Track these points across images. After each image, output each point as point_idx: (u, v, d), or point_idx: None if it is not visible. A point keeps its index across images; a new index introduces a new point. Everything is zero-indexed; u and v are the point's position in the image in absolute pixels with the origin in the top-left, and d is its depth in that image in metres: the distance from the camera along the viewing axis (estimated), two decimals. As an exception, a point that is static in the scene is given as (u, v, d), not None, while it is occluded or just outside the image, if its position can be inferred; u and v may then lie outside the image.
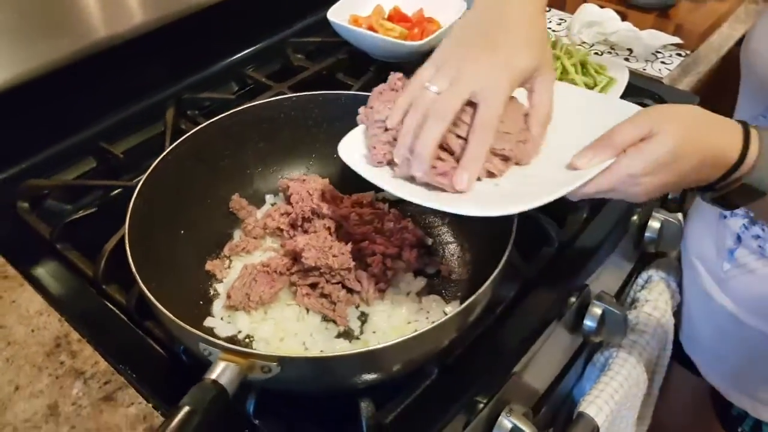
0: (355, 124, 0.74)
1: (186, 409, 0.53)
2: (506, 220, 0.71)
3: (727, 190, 0.66)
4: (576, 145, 0.66)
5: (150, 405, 0.71)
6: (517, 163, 0.69)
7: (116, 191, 0.95)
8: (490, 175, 0.67)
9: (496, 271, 0.66)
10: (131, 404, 0.71)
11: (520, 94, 0.69)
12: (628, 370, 0.98)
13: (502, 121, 0.64)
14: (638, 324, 1.05)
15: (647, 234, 1.07)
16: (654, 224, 1.06)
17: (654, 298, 1.10)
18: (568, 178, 0.63)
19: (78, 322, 0.80)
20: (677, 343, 1.17)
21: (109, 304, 0.82)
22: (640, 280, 1.17)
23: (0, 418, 0.69)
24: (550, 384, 0.97)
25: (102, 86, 1.07)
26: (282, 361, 0.58)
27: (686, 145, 0.61)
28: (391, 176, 0.67)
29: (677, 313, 1.16)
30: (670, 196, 1.15)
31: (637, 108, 0.69)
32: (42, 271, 0.86)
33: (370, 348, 0.60)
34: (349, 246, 0.77)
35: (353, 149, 0.71)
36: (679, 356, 1.18)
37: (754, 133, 0.64)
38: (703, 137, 0.63)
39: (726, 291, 1.01)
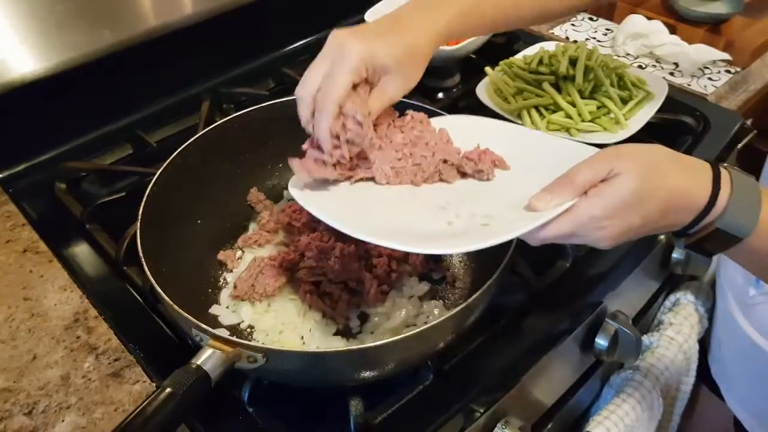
0: None
1: (167, 390, 0.55)
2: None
3: (700, 235, 0.61)
4: (534, 187, 0.63)
5: (153, 384, 0.74)
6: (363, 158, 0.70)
7: (146, 178, 0.99)
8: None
9: (492, 279, 0.66)
10: (136, 382, 0.74)
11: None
12: (642, 393, 0.96)
13: (392, 138, 0.70)
14: (658, 347, 1.02)
15: (674, 255, 1.04)
16: (675, 256, 1.03)
17: (679, 322, 1.07)
18: (525, 219, 0.60)
19: (97, 300, 0.84)
20: (706, 366, 1.13)
21: (127, 285, 0.85)
22: (668, 302, 1.13)
23: (16, 384, 0.74)
24: (557, 401, 0.95)
25: (143, 76, 1.12)
26: (267, 352, 0.60)
27: (650, 186, 0.57)
28: (341, 209, 0.66)
29: (706, 337, 1.13)
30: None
31: (592, 150, 0.66)
32: (70, 249, 0.91)
33: (355, 347, 0.61)
34: (353, 247, 0.78)
35: (302, 186, 0.69)
36: (707, 380, 1.14)
37: (724, 173, 0.59)
38: (667, 177, 0.58)
39: (749, 317, 0.98)
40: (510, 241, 0.70)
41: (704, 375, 1.11)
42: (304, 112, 0.68)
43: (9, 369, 0.75)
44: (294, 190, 0.68)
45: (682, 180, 0.58)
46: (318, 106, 0.66)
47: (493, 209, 0.65)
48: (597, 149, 0.65)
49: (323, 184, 0.69)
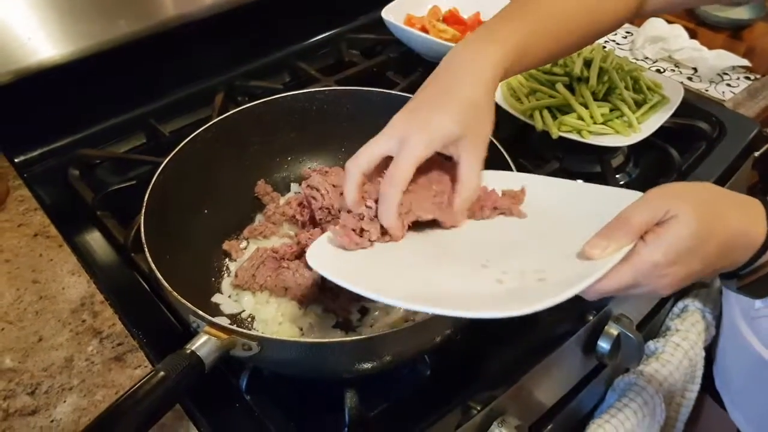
0: (385, 120, 0.73)
1: (160, 374, 0.56)
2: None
3: (756, 276, 0.59)
4: (580, 236, 0.59)
5: (155, 370, 0.75)
6: (439, 226, 0.67)
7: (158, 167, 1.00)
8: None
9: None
10: (138, 367, 0.75)
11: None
12: (645, 398, 0.95)
13: (416, 180, 0.65)
14: (663, 353, 1.01)
15: (684, 261, 1.03)
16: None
17: (685, 329, 1.06)
18: (580, 271, 0.56)
19: (104, 285, 0.85)
20: (710, 377, 1.12)
21: (134, 272, 0.87)
22: (676, 309, 1.12)
23: (21, 364, 0.75)
24: (557, 402, 0.95)
25: (160, 66, 1.13)
26: (262, 341, 0.61)
27: (709, 227, 0.55)
28: (374, 277, 0.61)
29: (712, 346, 1.12)
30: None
31: (637, 194, 0.61)
32: (80, 235, 0.92)
33: (350, 338, 0.62)
34: None
35: (323, 255, 0.65)
36: (711, 390, 1.13)
37: None
38: (725, 217, 0.56)
39: (755, 330, 0.97)
40: None
41: (708, 385, 1.10)
42: (350, 188, 0.67)
43: (15, 349, 0.77)
44: (313, 260, 0.62)
45: (738, 218, 0.57)
46: (382, 194, 0.64)
47: (541, 263, 0.60)
48: (639, 192, 0.61)
49: (342, 251, 0.65)
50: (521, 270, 0.59)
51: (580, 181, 0.72)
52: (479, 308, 0.53)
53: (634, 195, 0.61)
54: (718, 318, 1.11)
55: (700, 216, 0.54)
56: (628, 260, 0.55)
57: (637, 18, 0.92)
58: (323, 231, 0.83)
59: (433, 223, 0.69)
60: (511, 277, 0.59)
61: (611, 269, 0.55)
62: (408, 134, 0.64)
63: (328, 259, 0.63)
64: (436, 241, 0.68)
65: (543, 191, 0.71)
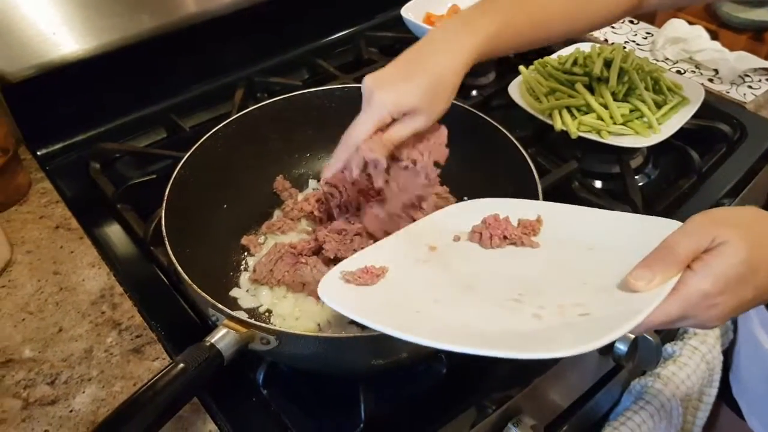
0: None
1: (179, 366, 0.56)
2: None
3: None
4: (618, 267, 0.56)
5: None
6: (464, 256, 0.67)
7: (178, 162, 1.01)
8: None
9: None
10: (156, 359, 0.76)
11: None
12: (661, 401, 0.94)
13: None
14: (681, 356, 1.01)
15: (701, 263, 1.02)
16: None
17: (704, 332, 1.05)
18: (625, 305, 0.52)
19: (123, 278, 0.86)
20: (727, 384, 1.11)
21: (153, 265, 0.87)
22: (694, 311, 1.11)
23: (41, 354, 0.76)
24: (573, 403, 0.94)
25: (181, 62, 1.14)
26: (280, 335, 0.61)
27: (760, 253, 0.52)
28: (398, 315, 0.59)
29: (729, 351, 1.10)
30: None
31: (676, 223, 0.58)
32: (101, 227, 0.94)
33: (366, 334, 0.62)
34: (371, 241, 0.79)
35: (337, 287, 0.63)
36: (727, 397, 1.12)
37: None
38: None
39: (772, 336, 0.96)
40: None
41: (725, 393, 1.09)
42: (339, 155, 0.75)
43: (35, 340, 0.78)
44: (326, 295, 0.61)
45: None
46: (340, 145, 0.74)
47: (579, 297, 0.56)
48: (677, 222, 0.58)
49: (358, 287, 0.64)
50: (559, 304, 0.56)
51: (610, 211, 0.68)
52: (525, 348, 0.49)
53: (672, 224, 0.58)
54: (736, 322, 1.10)
55: (749, 242, 0.52)
56: (675, 291, 0.52)
57: (639, 12, 0.91)
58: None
59: (457, 254, 0.69)
60: (549, 312, 0.55)
61: (642, 317, 0.50)
62: (373, 97, 0.71)
63: (344, 291, 0.62)
64: (460, 274, 0.65)
65: (572, 220, 0.69)
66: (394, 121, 0.72)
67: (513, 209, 0.72)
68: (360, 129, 0.72)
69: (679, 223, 0.57)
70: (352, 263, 0.66)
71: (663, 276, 0.52)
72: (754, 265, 0.52)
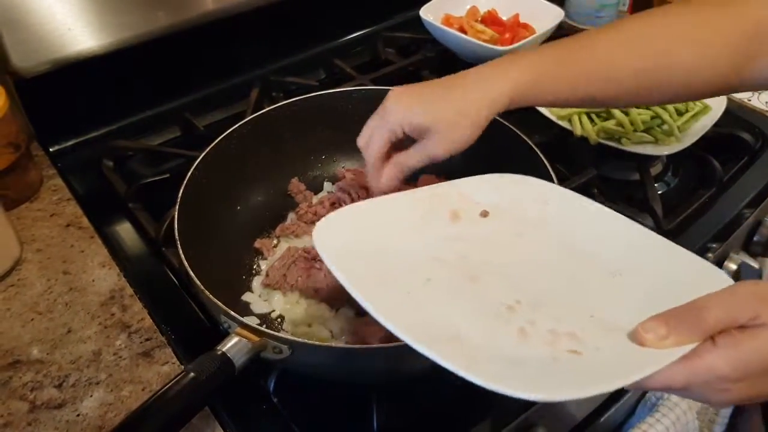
0: None
1: (190, 375, 0.55)
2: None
3: None
4: (630, 300, 0.52)
5: (182, 366, 0.74)
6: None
7: (191, 162, 1.00)
8: None
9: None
10: (165, 363, 0.75)
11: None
12: (677, 414, 0.93)
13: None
14: (697, 369, 0.99)
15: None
16: (730, 265, 0.99)
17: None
18: (623, 356, 0.47)
19: (134, 279, 0.84)
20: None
21: (165, 267, 0.86)
22: (711, 323, 1.10)
23: (49, 356, 0.75)
24: (588, 415, 0.93)
25: (196, 60, 1.13)
26: (293, 344, 0.60)
27: None
28: (382, 285, 0.54)
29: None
30: (755, 238, 1.07)
31: (725, 278, 0.52)
32: (112, 227, 0.92)
33: (380, 345, 0.60)
34: None
35: (334, 235, 0.59)
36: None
37: None
38: None
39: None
40: None
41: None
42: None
43: (44, 341, 0.77)
44: (320, 240, 0.57)
45: None
46: (365, 157, 0.75)
47: (577, 325, 0.51)
48: (728, 277, 0.51)
49: (359, 237, 0.59)
50: (552, 329, 0.50)
51: (649, 231, 0.61)
52: (491, 377, 0.44)
53: (720, 278, 0.51)
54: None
55: None
56: (686, 360, 0.45)
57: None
58: None
59: (478, 234, 0.64)
60: (536, 332, 0.50)
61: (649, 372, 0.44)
62: (387, 103, 0.72)
63: (340, 242, 0.57)
64: (470, 260, 0.60)
65: (606, 229, 0.62)
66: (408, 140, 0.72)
67: (558, 196, 0.68)
68: (374, 142, 0.73)
69: (723, 275, 0.51)
70: (361, 209, 0.64)
71: (678, 339, 0.46)
72: None
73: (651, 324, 0.47)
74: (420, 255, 0.60)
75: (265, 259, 0.85)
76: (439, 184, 0.71)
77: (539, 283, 0.58)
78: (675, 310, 0.47)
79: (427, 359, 0.45)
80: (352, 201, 0.81)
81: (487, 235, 0.64)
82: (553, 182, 0.75)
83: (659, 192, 1.02)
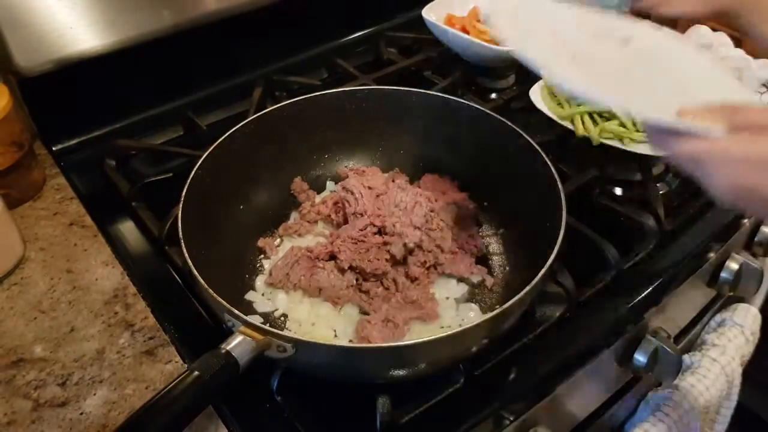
0: (423, 121, 0.75)
1: (194, 374, 0.55)
2: (553, 236, 0.70)
3: None
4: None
5: (185, 365, 0.74)
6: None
7: (194, 161, 1.00)
8: None
9: (530, 286, 0.65)
10: (169, 362, 0.75)
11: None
12: (680, 414, 0.93)
13: None
14: (699, 368, 0.99)
15: (723, 274, 1.00)
16: (732, 265, 0.99)
17: (723, 344, 1.03)
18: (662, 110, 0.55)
19: (137, 278, 0.85)
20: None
21: (168, 266, 0.86)
22: (713, 323, 1.10)
23: (52, 354, 0.75)
24: (590, 414, 0.93)
25: (199, 59, 1.13)
26: (297, 343, 0.60)
27: None
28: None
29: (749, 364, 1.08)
30: (757, 238, 1.07)
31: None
32: (115, 225, 0.93)
33: (386, 344, 0.61)
34: (388, 247, 0.78)
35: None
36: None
37: None
38: None
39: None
40: (553, 246, 0.68)
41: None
42: None
43: (47, 339, 0.77)
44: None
45: None
46: None
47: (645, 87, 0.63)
48: None
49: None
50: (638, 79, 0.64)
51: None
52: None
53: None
54: (757, 335, 1.08)
55: None
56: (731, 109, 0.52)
57: None
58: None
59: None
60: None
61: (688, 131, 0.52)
62: None
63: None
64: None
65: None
66: None
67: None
68: None
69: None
70: None
71: (713, 119, 0.52)
72: None
73: (695, 107, 0.54)
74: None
75: (269, 258, 0.86)
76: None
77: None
78: (720, 105, 0.54)
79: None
80: (356, 200, 0.81)
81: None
82: (556, 182, 0.76)
83: (661, 192, 1.02)
